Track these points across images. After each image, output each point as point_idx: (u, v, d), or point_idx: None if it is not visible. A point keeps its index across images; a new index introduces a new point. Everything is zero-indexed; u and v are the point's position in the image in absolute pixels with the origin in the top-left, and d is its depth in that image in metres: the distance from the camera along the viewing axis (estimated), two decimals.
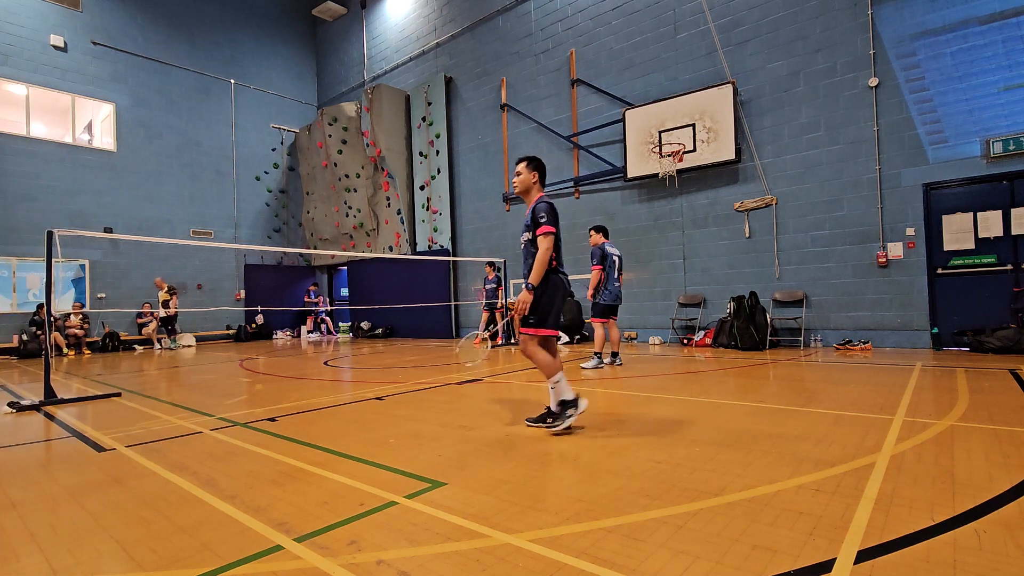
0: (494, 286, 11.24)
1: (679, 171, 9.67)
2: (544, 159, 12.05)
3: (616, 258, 6.89)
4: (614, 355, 7.07)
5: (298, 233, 17.82)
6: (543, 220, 3.54)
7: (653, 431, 3.51)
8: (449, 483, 2.61)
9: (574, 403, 3.53)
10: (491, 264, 11.34)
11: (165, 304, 13.01)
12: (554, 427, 3.54)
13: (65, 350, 12.25)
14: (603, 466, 2.80)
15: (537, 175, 3.82)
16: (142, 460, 3.22)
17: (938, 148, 7.65)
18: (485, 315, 11.75)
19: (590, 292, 6.86)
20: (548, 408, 3.71)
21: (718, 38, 9.44)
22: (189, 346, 14.11)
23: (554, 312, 3.63)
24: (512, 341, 11.09)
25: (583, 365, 6.86)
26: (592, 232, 7.08)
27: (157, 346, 13.57)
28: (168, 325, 13.30)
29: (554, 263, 3.61)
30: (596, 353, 6.78)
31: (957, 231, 7.61)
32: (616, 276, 6.86)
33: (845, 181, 8.31)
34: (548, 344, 3.71)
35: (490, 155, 13.06)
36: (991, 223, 7.40)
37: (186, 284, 14.99)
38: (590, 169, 11.21)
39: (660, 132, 9.83)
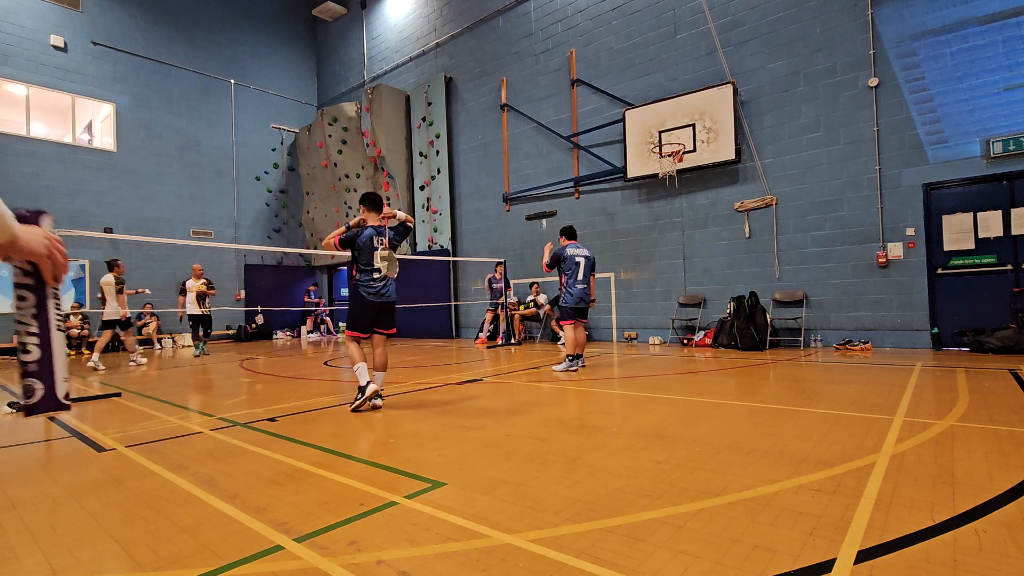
0: (501, 286, 11.24)
1: (679, 171, 9.67)
2: (544, 159, 12.23)
3: (581, 259, 6.72)
4: (577, 357, 6.87)
5: (298, 233, 17.81)
6: (340, 233, 4.64)
7: (653, 431, 3.51)
8: (449, 483, 2.61)
9: (366, 387, 4.42)
10: (501, 264, 11.35)
11: (201, 298, 10.90)
12: (353, 404, 4.45)
13: (66, 349, 12.23)
14: (603, 466, 2.80)
15: (364, 207, 4.73)
16: (142, 460, 3.22)
17: (938, 148, 7.65)
18: (489, 315, 11.76)
19: (544, 263, 6.95)
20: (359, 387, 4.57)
21: (718, 38, 9.44)
22: (188, 346, 14.10)
23: (356, 319, 4.60)
24: (512, 341, 11.10)
25: (554, 367, 6.80)
26: (560, 235, 7.04)
27: (157, 346, 13.55)
28: (205, 326, 11.15)
29: (354, 275, 4.57)
30: (568, 356, 6.68)
31: (957, 231, 7.61)
32: (581, 278, 6.68)
33: (845, 181, 8.31)
34: (357, 340, 4.65)
35: (490, 155, 13.06)
36: (991, 223, 7.40)
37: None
38: (590, 169, 11.21)
39: (660, 132, 9.83)
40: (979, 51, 7.36)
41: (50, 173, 13.04)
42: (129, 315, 9.51)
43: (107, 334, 9.22)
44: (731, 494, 2.34)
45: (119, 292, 9.09)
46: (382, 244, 4.63)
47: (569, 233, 7.02)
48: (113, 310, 9.01)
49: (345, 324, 4.62)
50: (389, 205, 14.84)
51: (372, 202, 4.73)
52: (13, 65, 12.65)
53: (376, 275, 4.57)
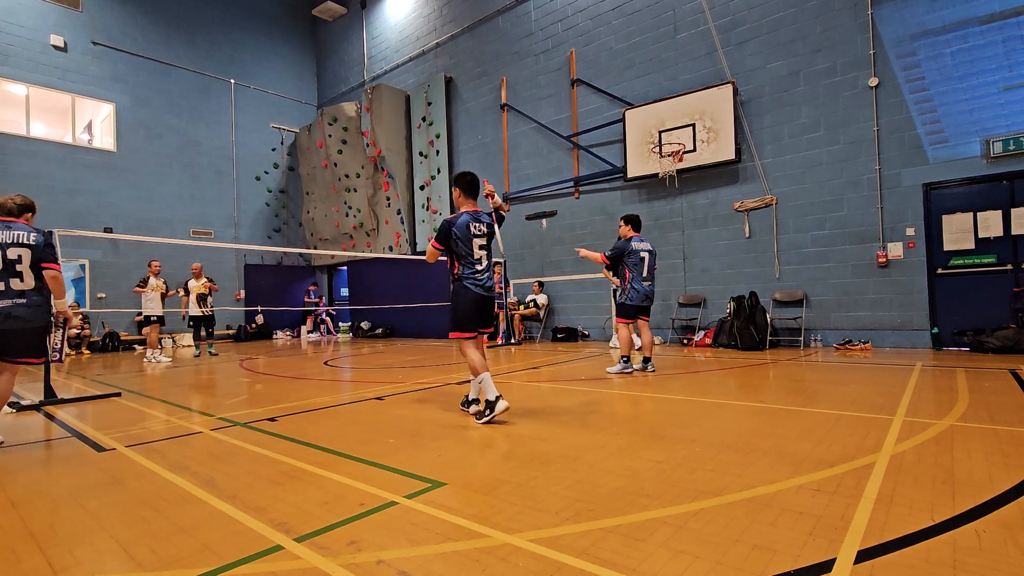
0: (500, 289, 11.24)
1: (679, 171, 9.67)
2: (544, 159, 12.16)
3: (646, 254, 6.17)
4: (646, 360, 6.34)
5: (298, 233, 17.81)
6: (435, 233, 4.08)
7: (653, 431, 3.51)
8: (449, 483, 2.61)
9: (495, 403, 3.90)
10: (498, 264, 11.35)
11: (202, 299, 10.61)
12: (484, 418, 3.91)
13: (66, 349, 12.21)
14: (603, 466, 2.80)
15: (460, 191, 4.15)
16: (142, 460, 3.22)
17: (938, 148, 7.65)
18: None
19: (598, 255, 6.26)
20: (477, 399, 4.09)
21: (718, 38, 9.44)
22: (189, 346, 14.10)
23: (462, 317, 4.06)
24: (512, 341, 11.10)
25: (608, 369, 6.36)
26: (622, 223, 6.42)
27: (158, 347, 13.50)
28: (208, 326, 10.93)
29: (456, 272, 4.09)
30: (623, 357, 6.20)
31: (957, 231, 7.61)
32: (646, 274, 6.13)
33: (845, 181, 8.31)
34: (475, 344, 4.11)
35: (490, 155, 13.06)
36: (991, 223, 7.40)
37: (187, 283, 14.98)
38: (590, 169, 11.21)
39: (660, 132, 9.83)
40: (979, 51, 7.35)
41: (50, 173, 13.04)
42: (150, 314, 10.08)
43: (145, 330, 10.33)
44: (731, 494, 2.34)
45: (138, 286, 10.08)
46: (480, 230, 4.09)
47: (635, 223, 6.36)
48: (146, 307, 10.08)
49: (451, 328, 4.12)
50: (389, 205, 14.85)
51: (468, 183, 4.09)
52: (13, 65, 12.65)
53: (479, 267, 4.06)
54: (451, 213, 4.37)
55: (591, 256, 6.30)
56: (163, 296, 10.48)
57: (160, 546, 2.03)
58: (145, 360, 9.85)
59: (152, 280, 10.08)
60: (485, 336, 4.25)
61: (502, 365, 7.65)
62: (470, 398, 4.18)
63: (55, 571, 1.86)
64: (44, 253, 3.71)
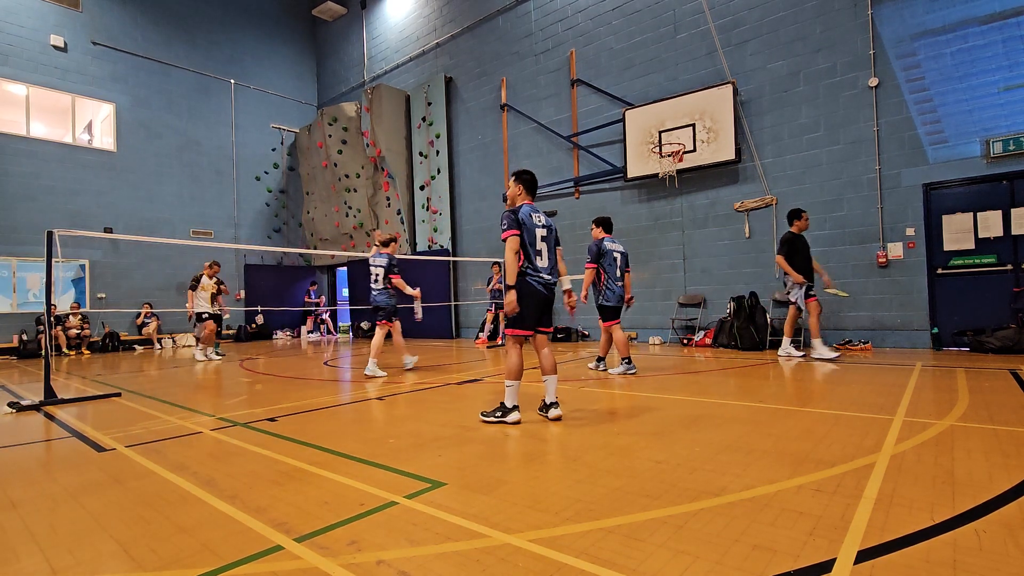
0: (501, 287, 11.26)
1: (679, 171, 9.67)
2: (544, 159, 12.14)
3: (618, 255, 6.26)
4: (600, 359, 6.64)
5: (298, 233, 17.81)
6: (503, 227, 3.95)
7: (653, 431, 3.51)
8: (449, 483, 2.61)
9: (511, 411, 3.90)
10: (497, 264, 11.36)
11: (212, 297, 10.25)
12: (491, 418, 3.94)
13: (65, 349, 12.24)
14: (603, 466, 2.80)
15: (521, 187, 4.12)
16: (142, 460, 3.22)
17: (938, 148, 7.65)
18: (489, 315, 11.76)
19: (583, 294, 6.17)
20: (556, 402, 4.04)
21: (718, 38, 9.44)
22: (189, 346, 14.09)
23: (520, 313, 3.95)
24: None
25: (611, 370, 6.37)
26: (593, 225, 6.47)
27: (158, 346, 13.54)
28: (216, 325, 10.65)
29: (519, 264, 3.96)
30: (624, 359, 6.22)
31: (957, 231, 7.61)
32: (619, 275, 6.21)
33: (845, 181, 8.31)
34: (519, 344, 4.03)
35: (490, 155, 13.06)
36: (991, 223, 7.40)
37: (185, 284, 14.97)
38: (590, 169, 11.21)
39: (660, 132, 9.82)
40: (979, 51, 7.35)
41: (50, 173, 13.04)
42: (195, 312, 9.98)
43: (204, 326, 10.05)
44: (731, 494, 2.34)
45: (191, 288, 10.03)
46: (540, 222, 4.07)
47: (606, 225, 6.41)
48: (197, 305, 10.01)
49: (505, 323, 4.07)
50: (389, 205, 14.82)
51: (528, 182, 4.11)
52: (13, 65, 12.65)
53: (540, 262, 4.02)
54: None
55: (585, 287, 6.28)
56: (214, 296, 10.20)
57: (160, 546, 2.03)
58: (200, 360, 9.81)
59: (205, 280, 10.00)
60: (546, 337, 4.17)
61: (502, 366, 7.65)
62: (547, 401, 4.07)
63: (55, 571, 1.86)
64: (389, 270, 6.93)
